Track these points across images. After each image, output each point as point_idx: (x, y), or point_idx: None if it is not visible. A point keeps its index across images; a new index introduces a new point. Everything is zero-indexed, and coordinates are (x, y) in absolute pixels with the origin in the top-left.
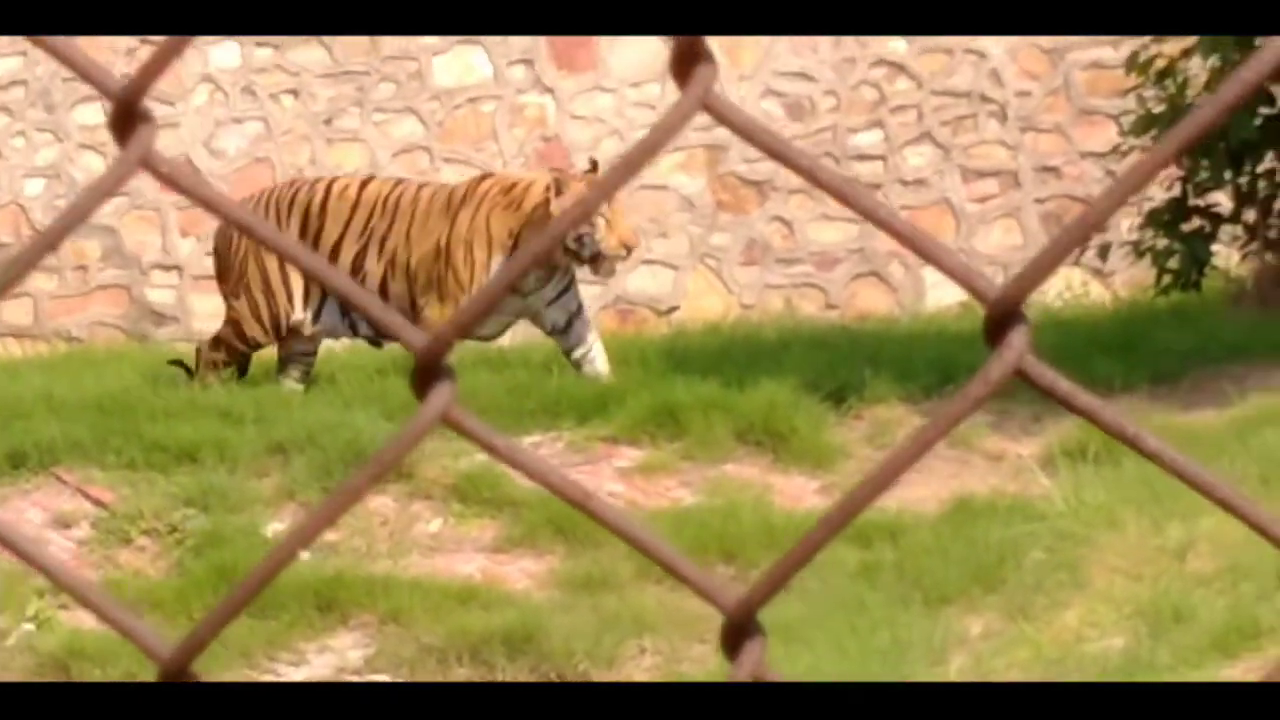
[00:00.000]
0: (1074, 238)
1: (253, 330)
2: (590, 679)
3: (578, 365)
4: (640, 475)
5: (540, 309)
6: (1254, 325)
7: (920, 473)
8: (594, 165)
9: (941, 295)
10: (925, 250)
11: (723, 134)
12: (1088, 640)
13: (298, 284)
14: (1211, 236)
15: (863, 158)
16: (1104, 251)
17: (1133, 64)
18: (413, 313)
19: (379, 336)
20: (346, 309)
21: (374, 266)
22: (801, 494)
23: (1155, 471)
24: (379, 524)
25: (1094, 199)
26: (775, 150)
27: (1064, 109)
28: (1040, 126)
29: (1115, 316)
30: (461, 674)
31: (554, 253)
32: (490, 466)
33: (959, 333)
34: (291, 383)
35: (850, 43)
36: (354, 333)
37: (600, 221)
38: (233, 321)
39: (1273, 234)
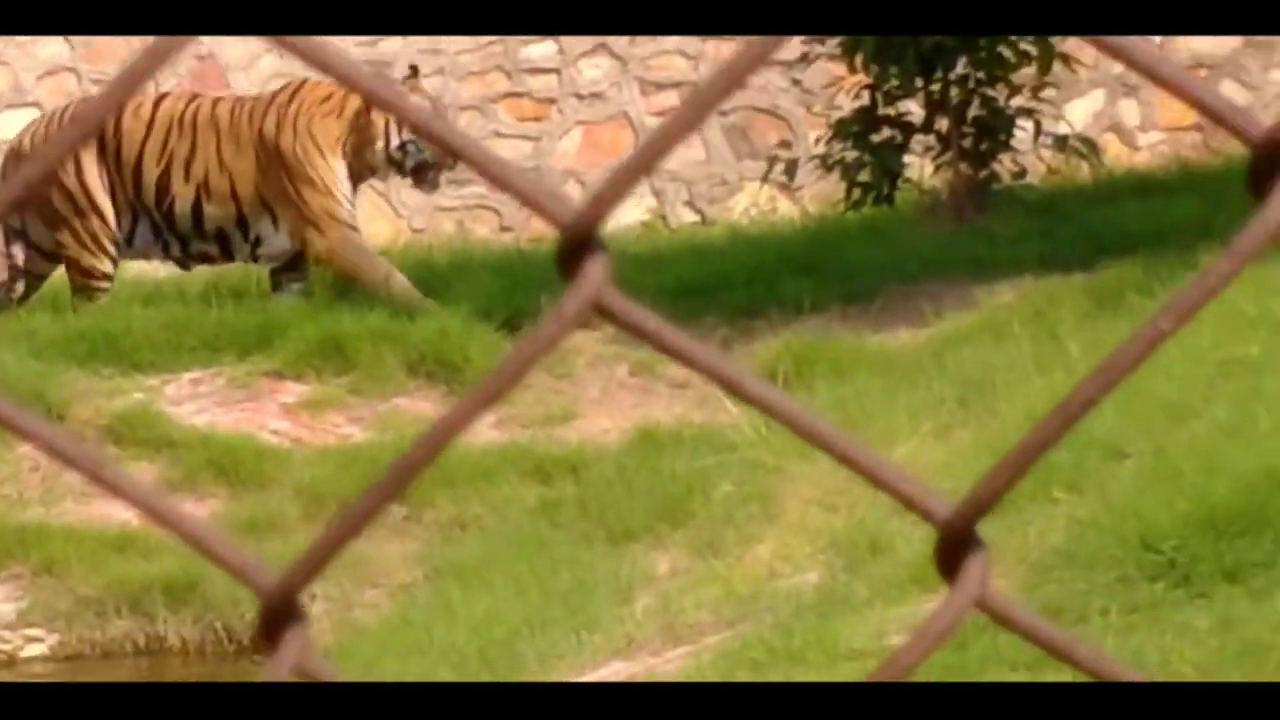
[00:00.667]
0: (650, 157)
1: (88, 260)
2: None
3: (278, 286)
4: (306, 411)
5: None
6: (949, 239)
7: (602, 403)
8: (414, 71)
9: (622, 214)
10: (493, 174)
11: (388, 54)
12: (780, 576)
13: (104, 200)
14: (903, 147)
15: (535, 71)
16: (791, 167)
17: None
18: (242, 233)
19: (188, 257)
20: (159, 229)
21: (182, 189)
22: (477, 427)
23: (847, 396)
24: (29, 470)
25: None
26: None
27: None
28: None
29: (804, 233)
30: (121, 626)
31: (373, 163)
32: (148, 405)
33: (639, 254)
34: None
35: None
36: (166, 254)
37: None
38: (69, 260)
39: (967, 143)
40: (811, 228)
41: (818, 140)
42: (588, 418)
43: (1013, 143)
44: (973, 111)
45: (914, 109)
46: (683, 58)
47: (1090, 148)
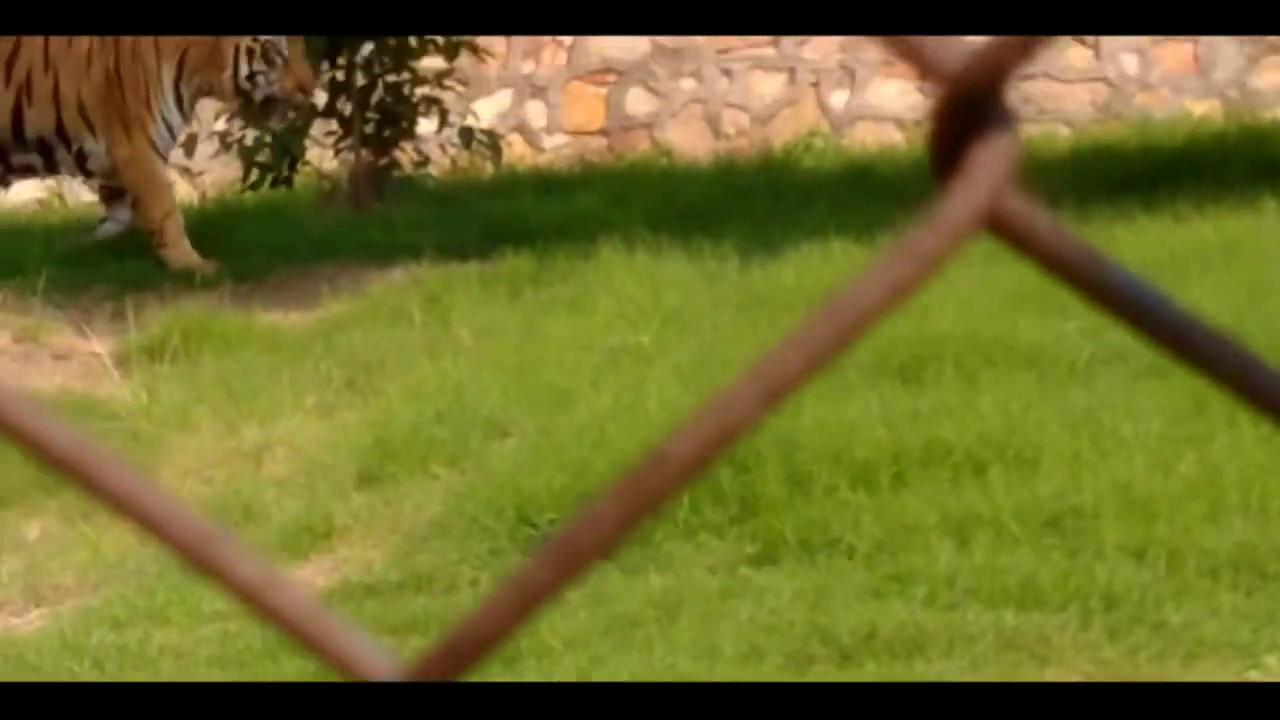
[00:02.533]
0: None
1: None
2: None
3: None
4: None
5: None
6: (346, 224)
7: None
8: None
9: (18, 192)
10: None
11: None
12: (144, 544)
13: None
14: (304, 130)
15: None
16: (190, 144)
17: None
18: (68, 149)
19: (8, 171)
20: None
21: (1, 93)
22: None
23: (233, 372)
24: None
25: None
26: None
27: None
28: None
29: (200, 213)
30: None
31: (219, 89)
32: None
33: (31, 229)
34: None
35: None
36: (50, 170)
37: (277, 59)
38: None
39: (369, 129)
40: (209, 209)
41: (218, 118)
42: None
43: (416, 132)
44: (376, 97)
45: (317, 92)
46: None
47: (494, 142)
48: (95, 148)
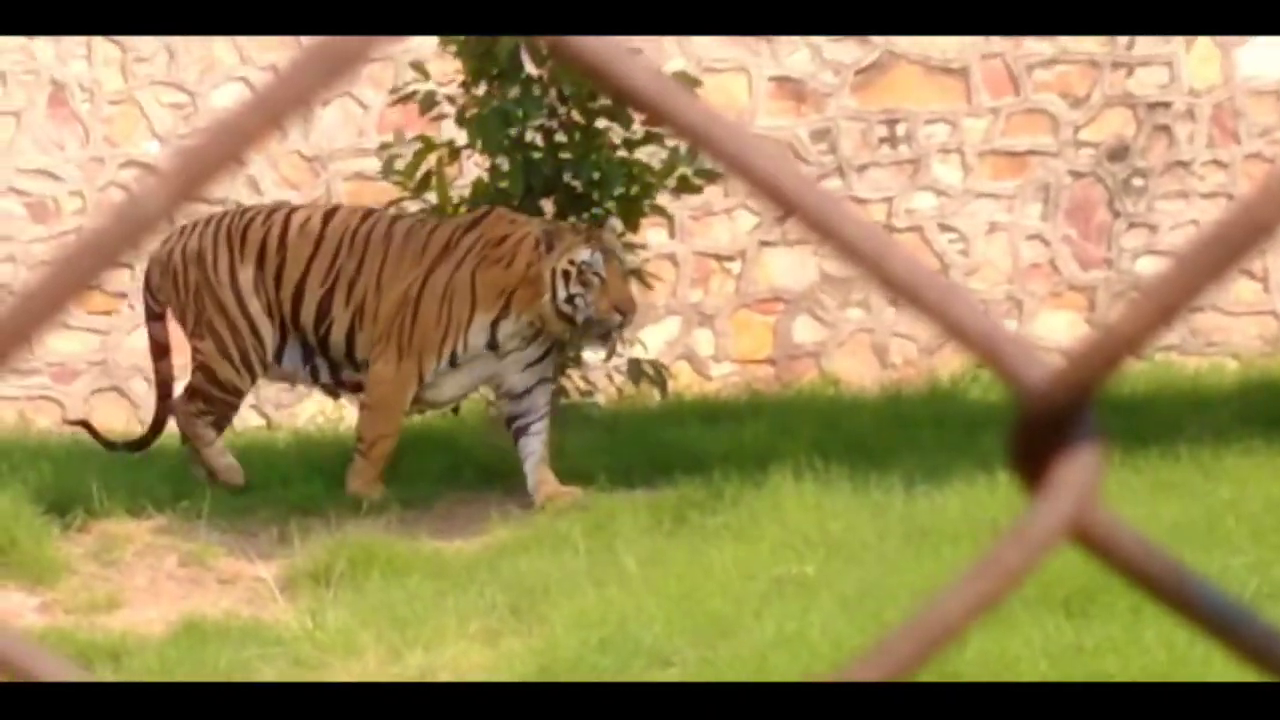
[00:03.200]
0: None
1: (227, 373)
2: None
3: (517, 435)
4: None
5: (512, 373)
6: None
7: (148, 593)
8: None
9: None
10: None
11: None
12: None
13: (262, 319)
14: None
15: None
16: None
17: (389, 170)
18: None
19: (338, 385)
20: (311, 352)
21: (341, 313)
22: (20, 610)
23: (398, 598)
24: None
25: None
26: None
27: None
28: None
29: None
30: None
31: (548, 317)
32: None
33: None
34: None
35: (99, 141)
36: (314, 379)
37: (594, 280)
38: (202, 367)
39: None
40: None
41: None
42: (133, 608)
43: (583, 360)
44: None
45: None
46: None
47: (659, 374)
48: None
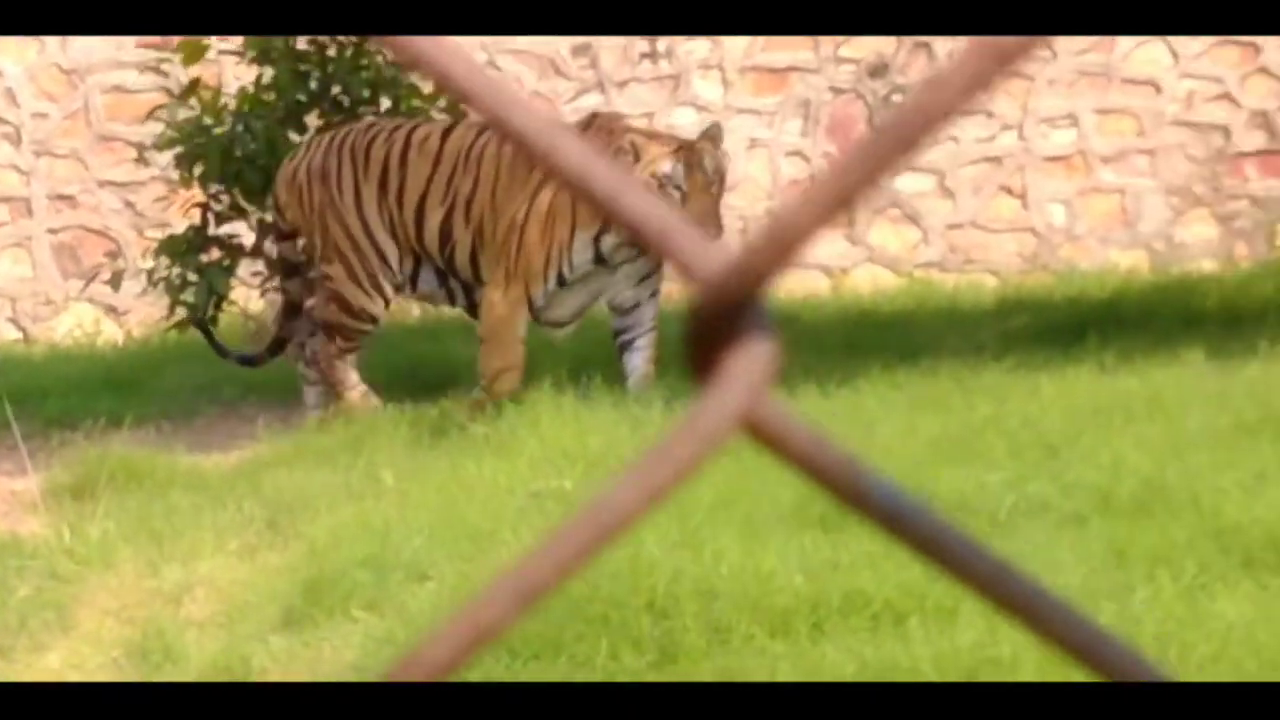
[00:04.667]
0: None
1: (359, 299)
2: None
3: (622, 349)
4: None
5: (623, 287)
6: (271, 364)
7: None
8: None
9: None
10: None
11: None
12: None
13: (388, 242)
14: (230, 269)
15: None
16: (116, 278)
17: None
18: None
19: (475, 310)
20: (447, 276)
21: (463, 234)
22: None
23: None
24: None
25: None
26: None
27: (83, 134)
28: (57, 152)
29: (125, 352)
30: None
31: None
32: None
33: None
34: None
35: None
36: (451, 301)
37: (674, 195)
38: (334, 296)
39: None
40: (134, 348)
41: (145, 255)
42: None
43: None
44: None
45: (244, 232)
46: (16, 173)
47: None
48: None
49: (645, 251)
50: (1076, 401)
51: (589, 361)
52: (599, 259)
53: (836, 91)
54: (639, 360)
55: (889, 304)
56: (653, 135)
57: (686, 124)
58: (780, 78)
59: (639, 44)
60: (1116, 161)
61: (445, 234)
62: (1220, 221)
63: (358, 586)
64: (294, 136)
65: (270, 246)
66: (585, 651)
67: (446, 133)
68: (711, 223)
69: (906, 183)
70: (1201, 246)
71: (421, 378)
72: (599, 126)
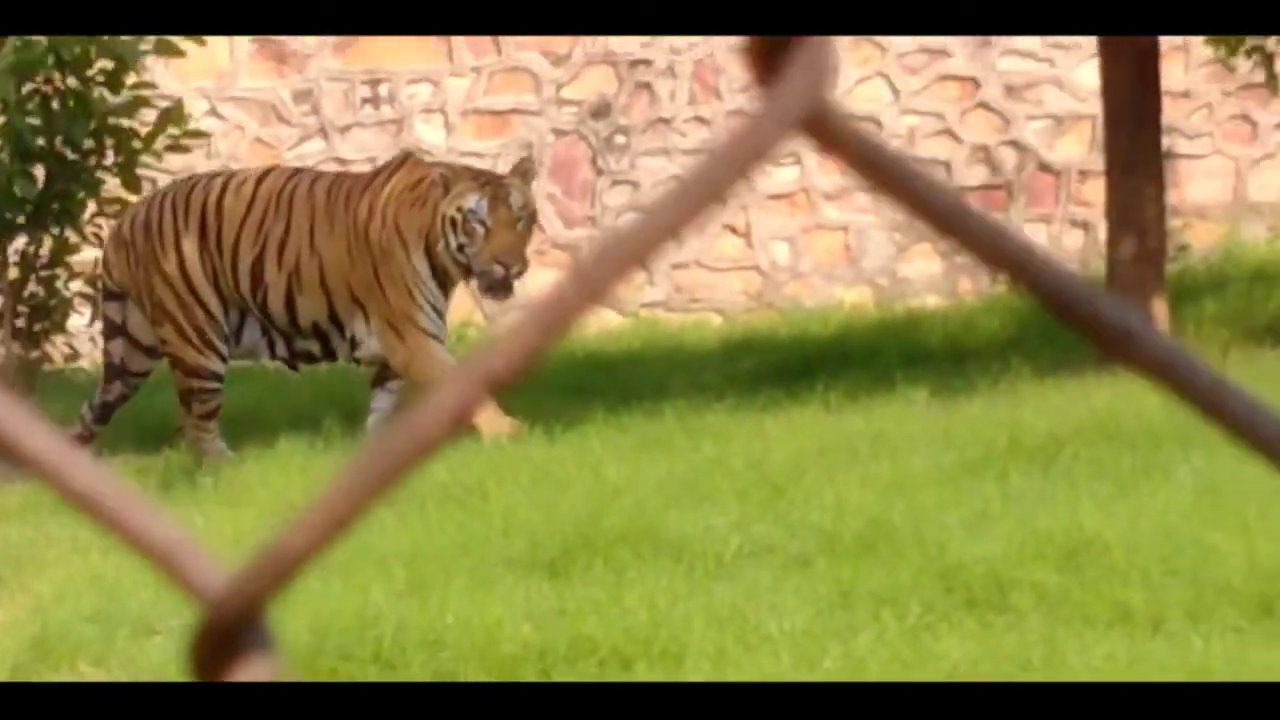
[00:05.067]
0: None
1: (194, 358)
2: None
3: (374, 384)
4: None
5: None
6: None
7: None
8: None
9: None
10: None
11: None
12: None
13: (210, 293)
14: None
15: None
16: None
17: None
18: (339, 330)
19: (294, 357)
20: (267, 327)
21: (275, 277)
22: None
23: None
24: None
25: None
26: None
27: None
28: None
29: None
30: None
31: (445, 264)
32: None
33: None
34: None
35: None
36: (271, 353)
37: (478, 230)
38: (171, 359)
39: (20, 323)
40: None
41: None
42: None
43: (68, 326)
44: (29, 290)
45: None
46: None
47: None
48: (368, 338)
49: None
50: (802, 441)
51: (326, 406)
52: (438, 278)
53: (559, 133)
54: (385, 403)
55: (614, 345)
56: (462, 170)
57: None
58: (502, 120)
59: (360, 89)
60: (839, 198)
61: (256, 277)
62: (943, 256)
63: (84, 641)
64: (17, 191)
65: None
66: None
67: (261, 178)
68: (515, 259)
69: (629, 220)
70: (926, 282)
71: (148, 427)
72: (412, 162)
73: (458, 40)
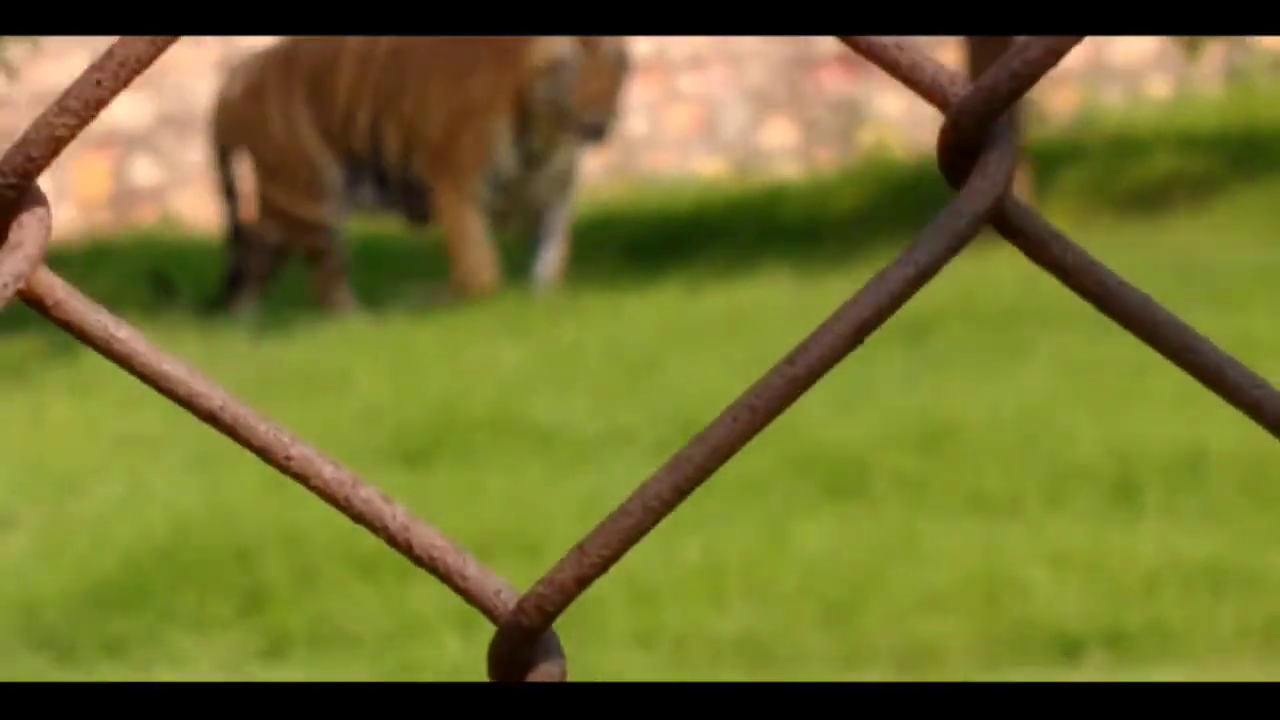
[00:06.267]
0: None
1: (301, 210)
2: None
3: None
4: None
5: (541, 188)
6: None
7: None
8: None
9: None
10: None
11: None
12: None
13: (320, 149)
14: None
15: None
16: None
17: None
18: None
19: (413, 218)
20: (382, 179)
21: (394, 142)
22: None
23: None
24: None
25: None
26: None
27: None
28: None
29: None
30: None
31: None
32: None
33: None
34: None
35: None
36: (392, 210)
37: (568, 78)
38: (282, 217)
39: None
40: None
41: None
42: None
43: None
44: None
45: None
46: None
47: None
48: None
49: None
50: (662, 322)
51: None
52: (527, 159)
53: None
54: (548, 262)
55: None
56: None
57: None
58: None
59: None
60: (695, 69)
61: (376, 143)
62: (801, 127)
63: None
64: None
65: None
66: (174, 602)
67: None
68: (603, 100)
69: None
70: (783, 152)
71: None
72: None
73: None
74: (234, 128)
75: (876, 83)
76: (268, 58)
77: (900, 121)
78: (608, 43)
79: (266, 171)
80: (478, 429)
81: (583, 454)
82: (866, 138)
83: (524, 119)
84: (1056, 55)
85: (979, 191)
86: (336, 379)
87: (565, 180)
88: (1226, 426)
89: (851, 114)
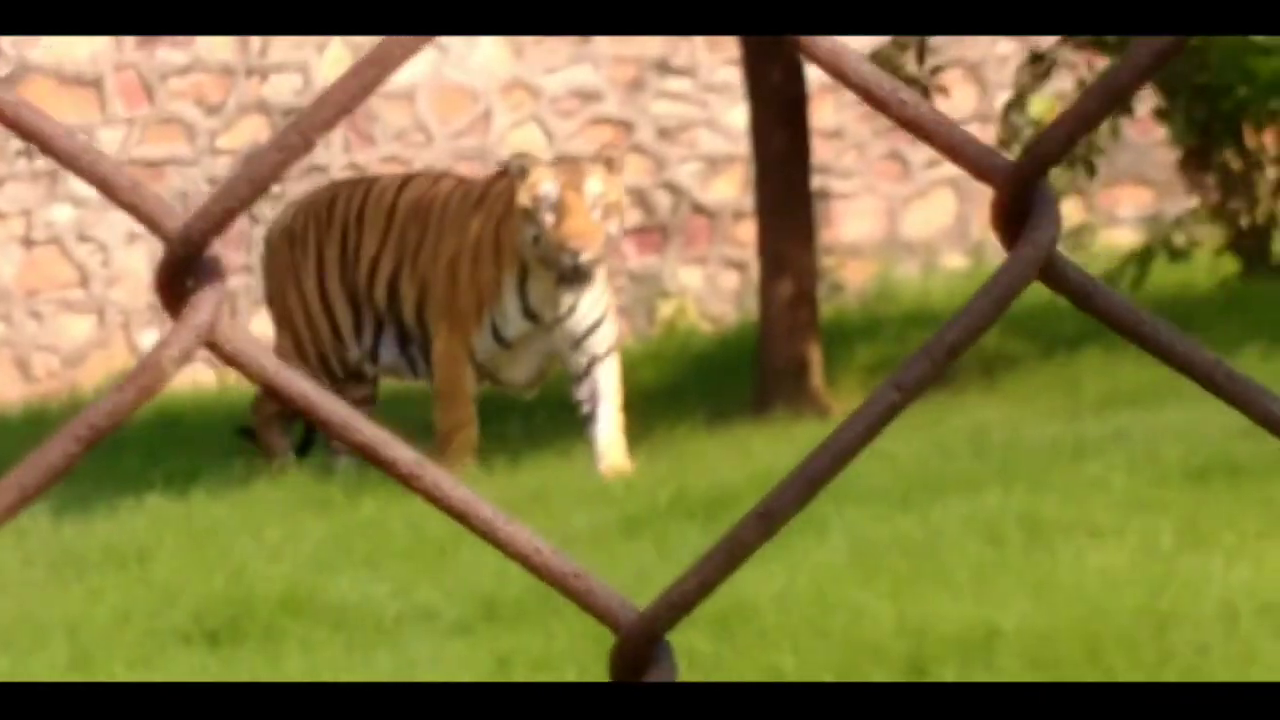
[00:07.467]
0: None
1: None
2: None
3: (585, 424)
4: None
5: (564, 347)
6: None
7: None
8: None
9: None
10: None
11: None
12: None
13: (343, 310)
14: None
15: None
16: None
17: None
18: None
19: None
20: (405, 341)
21: (408, 289)
22: None
23: None
24: None
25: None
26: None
27: None
28: None
29: None
30: None
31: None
32: None
33: None
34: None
35: None
36: (414, 372)
37: (548, 218)
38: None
39: None
40: None
41: None
42: None
43: None
44: None
45: None
46: None
47: None
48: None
49: (573, 309)
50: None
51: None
52: (528, 312)
53: (215, 183)
54: (601, 432)
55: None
56: (541, 160)
57: (64, 219)
58: (157, 171)
59: (14, 142)
60: None
61: (393, 291)
62: None
63: None
64: None
65: None
66: None
67: (402, 185)
68: (581, 243)
69: None
70: None
71: None
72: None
73: (109, 90)
74: (273, 272)
75: (676, 253)
76: (305, 202)
77: (700, 294)
78: (592, 181)
79: (285, 326)
80: (277, 608)
81: (382, 634)
82: (666, 309)
83: (524, 266)
84: (1087, 124)
85: (1027, 251)
86: (137, 556)
87: (588, 337)
88: (1017, 604)
89: (652, 287)
